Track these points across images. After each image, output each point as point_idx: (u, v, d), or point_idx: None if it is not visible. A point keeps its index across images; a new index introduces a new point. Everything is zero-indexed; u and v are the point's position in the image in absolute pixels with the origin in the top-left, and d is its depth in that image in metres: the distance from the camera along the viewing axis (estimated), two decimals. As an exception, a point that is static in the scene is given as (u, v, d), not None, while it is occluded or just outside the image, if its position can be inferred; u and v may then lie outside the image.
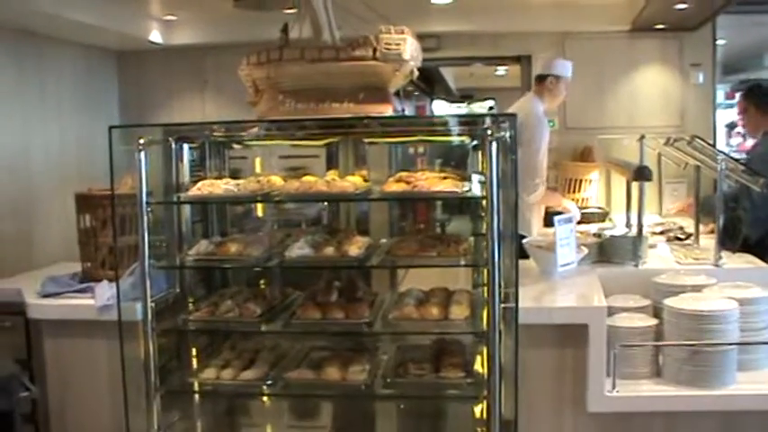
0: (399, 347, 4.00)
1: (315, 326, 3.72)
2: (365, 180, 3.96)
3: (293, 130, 3.88)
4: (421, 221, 5.03)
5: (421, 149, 5.52)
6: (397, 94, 11.07)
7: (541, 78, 6.19)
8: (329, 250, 3.64)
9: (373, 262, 3.74)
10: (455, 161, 4.42)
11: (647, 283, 4.21)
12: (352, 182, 3.77)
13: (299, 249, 3.64)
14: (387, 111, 3.61)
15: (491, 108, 16.41)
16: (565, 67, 6.18)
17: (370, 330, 3.69)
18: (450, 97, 16.46)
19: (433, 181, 3.64)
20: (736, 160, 5.08)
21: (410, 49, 3.55)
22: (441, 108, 15.77)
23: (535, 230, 5.95)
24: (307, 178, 3.79)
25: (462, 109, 16.77)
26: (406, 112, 12.59)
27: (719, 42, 7.77)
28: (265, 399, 4.05)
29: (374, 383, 3.68)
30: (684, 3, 6.12)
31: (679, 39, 7.47)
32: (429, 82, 13.94)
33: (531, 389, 3.69)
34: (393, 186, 3.67)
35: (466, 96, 17.07)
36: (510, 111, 6.04)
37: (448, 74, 13.84)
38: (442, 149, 4.93)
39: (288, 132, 3.94)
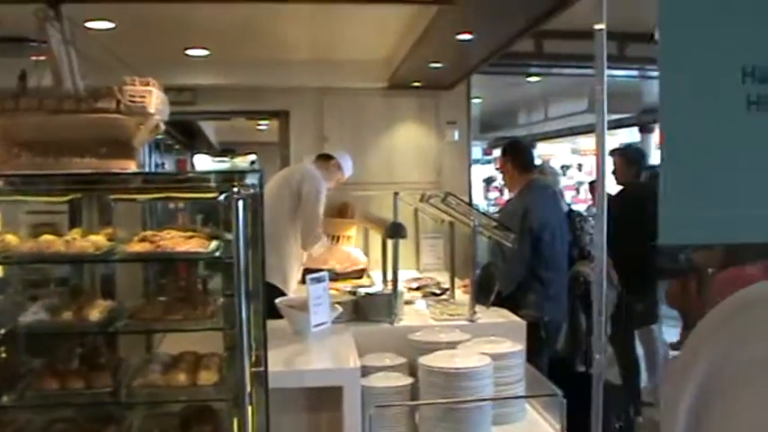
0: (147, 416, 3.77)
1: (53, 397, 3.43)
2: (110, 239, 3.72)
3: (30, 186, 3.61)
4: (179, 278, 4.83)
5: (181, 205, 5.33)
6: (157, 147, 10.74)
7: (328, 157, 6.37)
8: (67, 315, 3.38)
9: (116, 327, 3.50)
10: (216, 217, 4.28)
11: (404, 340, 4.20)
12: (94, 241, 3.52)
13: (33, 315, 3.38)
14: (130, 166, 3.43)
15: (253, 162, 16.33)
16: (349, 167, 6.46)
17: (113, 400, 3.45)
18: (212, 151, 16.25)
19: (177, 241, 3.47)
20: (489, 216, 5.19)
21: (156, 102, 3.39)
22: (202, 162, 15.53)
23: (293, 286, 5.89)
24: (44, 237, 3.49)
25: (224, 163, 16.59)
26: (167, 167, 12.31)
27: (475, 101, 8.02)
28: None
29: (119, 457, 3.45)
30: (439, 62, 6.25)
31: (435, 97, 7.64)
32: (189, 136, 13.72)
33: (286, 455, 3.57)
34: (136, 247, 3.46)
35: (228, 150, 16.92)
36: (287, 170, 6.12)
37: (208, 128, 13.68)
38: (203, 205, 4.77)
39: (26, 188, 3.67)
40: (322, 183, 6.08)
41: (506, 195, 19.38)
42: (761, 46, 1.87)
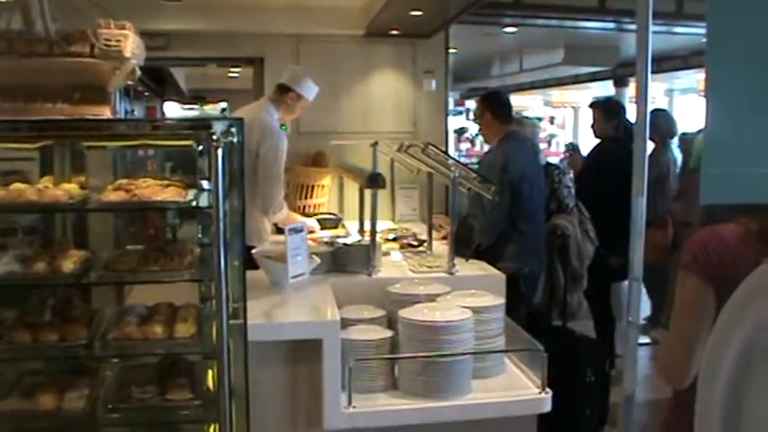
0: (122, 368, 3.68)
1: (25, 350, 3.33)
2: (82, 187, 3.61)
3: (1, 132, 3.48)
4: (151, 228, 4.74)
5: (151, 152, 5.21)
6: (127, 93, 10.50)
7: (284, 89, 6.01)
8: (40, 266, 3.27)
9: (91, 278, 3.42)
10: (186, 165, 4.17)
11: (382, 292, 4.14)
12: (67, 190, 3.40)
13: (4, 265, 3.27)
14: (105, 113, 3.30)
15: (223, 110, 16.16)
16: (310, 90, 6.07)
17: (88, 353, 3.36)
18: (182, 98, 16.05)
19: (154, 189, 3.37)
20: (467, 167, 5.12)
21: (132, 47, 3.26)
22: (172, 109, 15.34)
23: (266, 239, 5.78)
24: (15, 186, 3.37)
25: (194, 111, 16.41)
26: (136, 113, 12.12)
27: (451, 51, 7.91)
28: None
29: (95, 410, 3.35)
30: (419, 10, 6.13)
31: (413, 45, 7.50)
32: (159, 82, 13.52)
33: (265, 408, 3.51)
34: (111, 195, 3.35)
35: (198, 98, 16.72)
36: (241, 116, 5.86)
37: (179, 74, 13.48)
38: (173, 153, 4.67)
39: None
40: (282, 140, 5.82)
41: (477, 146, 19.34)
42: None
